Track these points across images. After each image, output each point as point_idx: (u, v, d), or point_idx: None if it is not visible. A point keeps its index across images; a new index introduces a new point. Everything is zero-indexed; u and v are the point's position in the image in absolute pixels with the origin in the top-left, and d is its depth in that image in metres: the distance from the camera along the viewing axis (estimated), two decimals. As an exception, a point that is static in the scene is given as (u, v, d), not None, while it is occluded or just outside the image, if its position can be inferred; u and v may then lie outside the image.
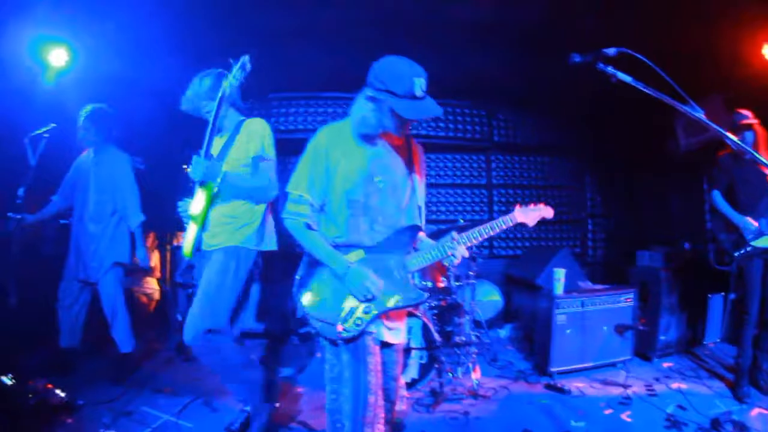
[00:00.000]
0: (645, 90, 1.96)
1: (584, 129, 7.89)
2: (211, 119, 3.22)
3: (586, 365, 4.98)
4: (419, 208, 2.71)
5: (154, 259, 6.72)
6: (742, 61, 5.29)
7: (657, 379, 4.80)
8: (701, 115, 1.97)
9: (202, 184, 3.23)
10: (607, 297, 5.11)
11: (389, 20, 5.29)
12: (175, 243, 7.04)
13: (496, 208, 7.92)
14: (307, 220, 2.48)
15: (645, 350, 5.39)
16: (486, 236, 2.51)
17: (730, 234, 4.49)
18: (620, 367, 5.05)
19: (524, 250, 7.68)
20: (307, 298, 2.49)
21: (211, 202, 3.30)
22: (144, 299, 6.61)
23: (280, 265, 7.15)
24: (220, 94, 3.21)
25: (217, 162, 3.24)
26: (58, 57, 4.80)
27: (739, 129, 4.42)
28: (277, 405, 4.14)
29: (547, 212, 2.65)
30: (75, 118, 4.55)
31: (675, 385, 4.63)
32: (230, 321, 3.39)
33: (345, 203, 2.48)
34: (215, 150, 3.35)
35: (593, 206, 8.22)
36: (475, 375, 4.64)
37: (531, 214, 2.58)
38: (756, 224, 4.32)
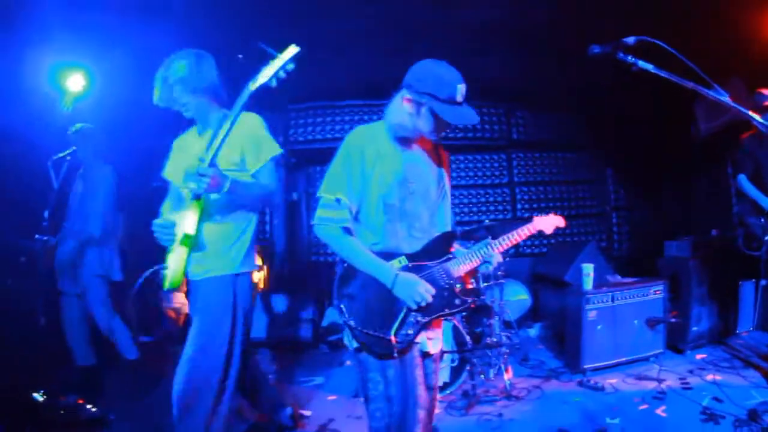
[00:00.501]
0: (668, 77, 1.96)
1: (603, 122, 7.81)
2: (227, 126, 2.53)
3: (618, 360, 4.92)
4: (449, 212, 2.72)
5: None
6: (757, 39, 5.21)
7: (691, 372, 4.71)
8: (727, 98, 1.97)
9: (198, 197, 2.66)
10: (637, 290, 5.05)
11: (405, 26, 5.35)
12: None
13: (519, 206, 7.90)
14: (346, 224, 2.35)
15: (677, 343, 5.29)
16: (513, 243, 2.57)
17: (758, 218, 4.44)
18: (653, 361, 5.00)
19: (550, 247, 7.62)
20: (353, 311, 2.32)
21: (201, 219, 2.74)
22: (173, 314, 6.68)
23: (303, 273, 7.31)
24: (247, 93, 2.51)
25: (222, 171, 2.61)
26: (75, 82, 4.96)
27: (762, 110, 4.35)
28: (308, 413, 4.19)
29: (560, 221, 2.80)
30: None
31: (709, 377, 4.52)
32: (231, 372, 2.90)
33: (381, 208, 2.38)
34: (198, 150, 2.75)
35: (617, 199, 8.12)
36: (507, 376, 4.61)
37: (546, 223, 2.74)
38: None
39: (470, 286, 4.22)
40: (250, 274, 3.02)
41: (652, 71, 1.97)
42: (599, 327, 4.83)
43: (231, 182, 2.57)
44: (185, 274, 2.79)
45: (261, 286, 7.10)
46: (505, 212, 7.85)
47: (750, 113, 1.99)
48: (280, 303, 6.40)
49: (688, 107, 6.63)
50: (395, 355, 2.27)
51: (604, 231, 8.06)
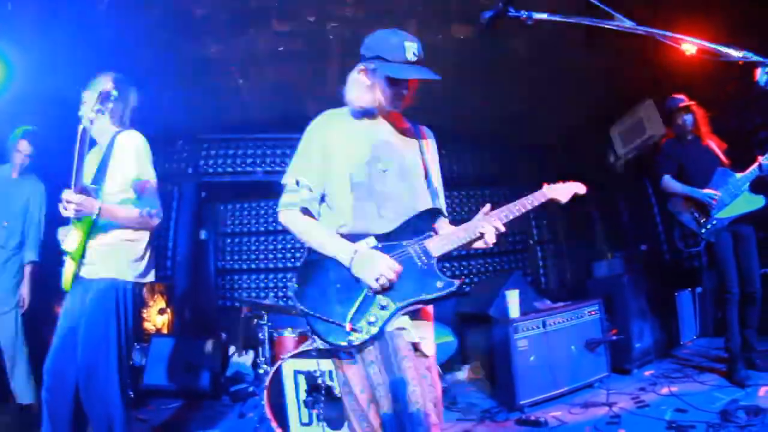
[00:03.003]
0: (564, 20, 1.84)
1: (520, 156, 7.72)
2: (77, 145, 2.78)
3: (560, 391, 4.38)
4: (436, 191, 2.34)
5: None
6: (660, 56, 5.30)
7: (643, 389, 4.25)
8: (633, 24, 1.82)
9: (78, 219, 2.79)
10: (570, 313, 4.64)
11: (323, 53, 5.22)
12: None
13: (441, 245, 7.45)
14: (304, 204, 2.18)
15: (622, 363, 4.84)
16: (517, 214, 2.21)
17: (691, 213, 4.30)
18: (598, 386, 4.49)
19: (473, 286, 7.16)
20: (307, 297, 2.03)
21: (89, 234, 2.86)
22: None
23: (207, 317, 6.55)
24: (81, 128, 2.78)
25: (91, 192, 2.82)
26: None
27: (678, 112, 4.46)
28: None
29: (579, 187, 2.42)
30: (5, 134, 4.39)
31: (665, 390, 4.10)
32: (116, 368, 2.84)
33: (348, 187, 2.16)
34: (89, 173, 2.92)
35: (539, 232, 7.90)
36: None
37: (561, 191, 2.37)
38: (717, 193, 4.15)
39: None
40: (128, 281, 2.97)
41: (548, 18, 1.86)
42: (532, 357, 4.33)
43: (101, 209, 2.75)
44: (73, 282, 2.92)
45: (164, 330, 6.37)
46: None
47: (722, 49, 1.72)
48: (180, 349, 5.58)
49: (605, 129, 6.69)
50: (353, 348, 1.94)
51: (528, 266, 7.77)
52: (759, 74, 1.65)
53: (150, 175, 3.02)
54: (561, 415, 4.01)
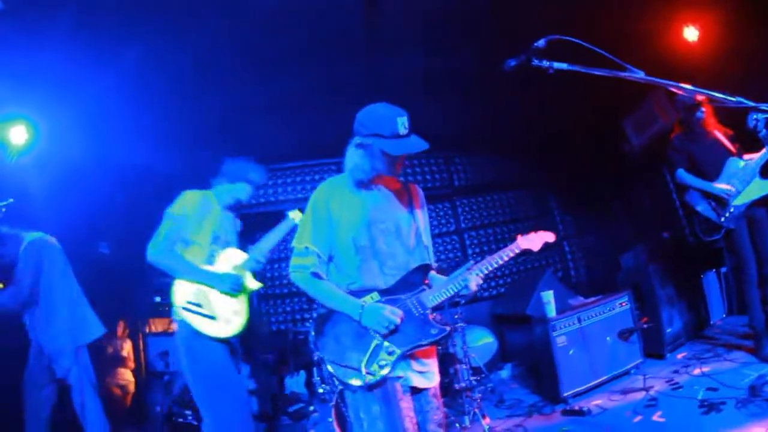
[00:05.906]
0: (582, 70, 1.95)
1: (540, 156, 7.87)
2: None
3: (599, 380, 4.64)
4: (426, 248, 2.66)
5: (126, 348, 6.15)
6: (664, 44, 5.39)
7: (676, 372, 4.47)
8: (642, 74, 1.94)
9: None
10: (602, 307, 4.89)
11: (343, 84, 5.42)
12: (147, 330, 6.49)
13: (470, 251, 7.70)
14: (314, 269, 2.46)
15: (655, 349, 5.04)
16: (496, 266, 2.50)
17: (708, 203, 4.44)
18: (634, 372, 4.73)
19: (507, 287, 7.39)
20: (325, 347, 2.38)
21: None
22: (118, 392, 5.95)
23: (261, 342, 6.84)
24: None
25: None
26: (17, 135, 4.51)
27: (690, 109, 4.51)
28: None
29: (549, 236, 2.70)
30: (34, 195, 4.46)
31: (697, 371, 4.30)
32: None
33: (353, 250, 2.47)
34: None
35: (565, 228, 8.07)
36: (486, 422, 4.26)
37: (534, 241, 2.63)
38: (730, 187, 4.30)
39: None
40: None
41: (567, 69, 1.98)
42: (571, 351, 4.59)
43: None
44: None
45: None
46: (456, 260, 7.57)
47: (694, 90, 1.93)
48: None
49: (617, 126, 6.80)
50: (368, 386, 2.28)
51: (558, 261, 7.94)
52: (749, 119, 1.83)
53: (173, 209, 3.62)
54: (602, 402, 4.27)
